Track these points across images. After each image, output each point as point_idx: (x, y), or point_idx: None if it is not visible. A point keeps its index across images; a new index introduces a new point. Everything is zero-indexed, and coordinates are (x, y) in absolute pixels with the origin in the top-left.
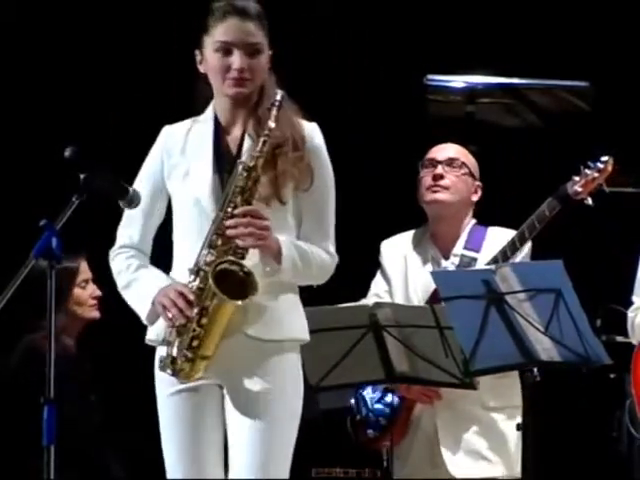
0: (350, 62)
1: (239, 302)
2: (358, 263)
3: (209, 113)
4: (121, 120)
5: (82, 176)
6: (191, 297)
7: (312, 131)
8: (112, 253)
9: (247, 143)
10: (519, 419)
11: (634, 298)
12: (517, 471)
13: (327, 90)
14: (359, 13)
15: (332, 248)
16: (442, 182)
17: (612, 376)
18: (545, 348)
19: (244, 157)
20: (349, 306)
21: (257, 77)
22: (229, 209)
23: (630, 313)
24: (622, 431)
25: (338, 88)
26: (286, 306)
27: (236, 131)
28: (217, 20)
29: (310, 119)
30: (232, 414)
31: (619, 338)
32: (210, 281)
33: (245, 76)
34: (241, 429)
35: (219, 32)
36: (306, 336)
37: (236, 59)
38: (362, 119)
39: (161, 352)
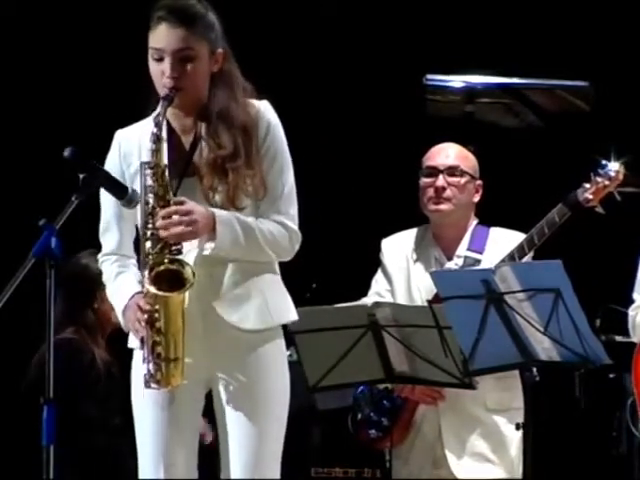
0: (350, 62)
1: (180, 293)
2: (358, 262)
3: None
4: (121, 119)
5: (82, 176)
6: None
7: (264, 111)
8: (99, 260)
9: (203, 148)
10: (520, 420)
11: (635, 295)
12: (519, 472)
13: (327, 89)
14: (359, 13)
15: (290, 223)
16: (444, 194)
17: (612, 376)
18: (544, 348)
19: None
20: (348, 306)
21: (191, 84)
22: (149, 212)
23: (631, 312)
24: (622, 431)
25: (338, 88)
26: (267, 290)
27: (189, 137)
28: (152, 26)
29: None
30: (222, 410)
31: (618, 338)
32: (147, 285)
33: (177, 84)
34: (232, 425)
35: (152, 39)
36: (293, 316)
37: (166, 66)
38: (362, 119)
39: (137, 358)
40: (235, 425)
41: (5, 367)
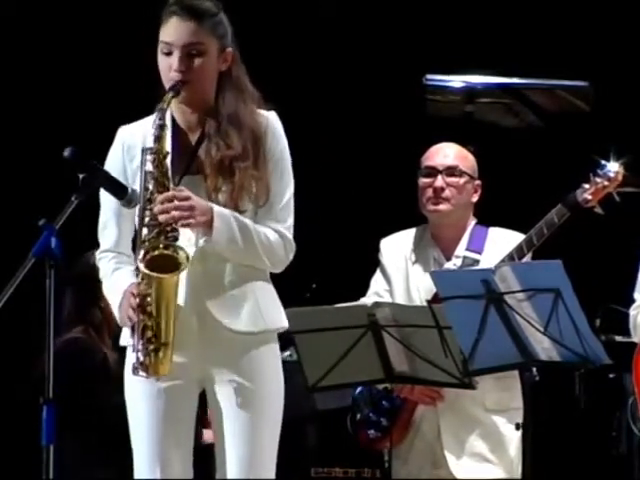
0: (349, 62)
1: (172, 275)
2: (358, 262)
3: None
4: (121, 119)
5: (81, 176)
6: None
7: (272, 121)
8: (97, 257)
9: (211, 147)
10: (519, 420)
11: (636, 295)
12: (518, 472)
13: (327, 90)
14: (359, 13)
15: (287, 232)
16: (443, 194)
17: (612, 376)
18: (544, 348)
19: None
20: (348, 306)
21: (198, 79)
22: (147, 197)
23: (632, 311)
24: (622, 431)
25: (338, 88)
26: (260, 294)
27: (195, 134)
28: (163, 20)
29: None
30: (217, 411)
31: (618, 338)
32: (141, 267)
33: (184, 77)
34: (227, 426)
35: (162, 32)
36: (285, 324)
37: (174, 60)
38: (361, 119)
39: (130, 355)
40: (229, 426)
41: (5, 367)
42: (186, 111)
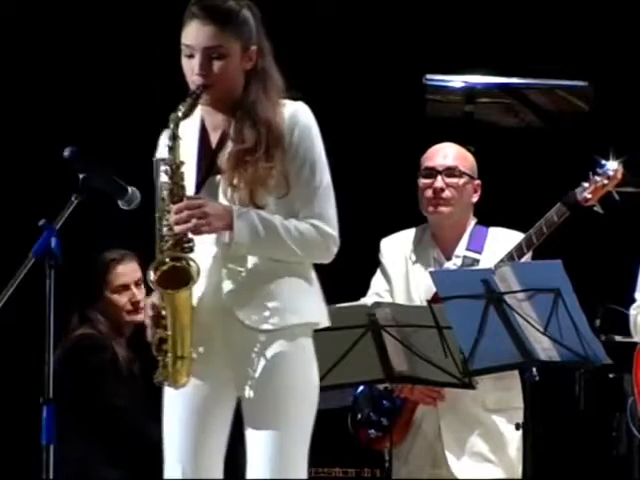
0: (349, 62)
1: (181, 291)
2: (358, 262)
3: (198, 112)
4: (121, 119)
5: (81, 176)
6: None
7: (296, 111)
8: None
9: (228, 144)
10: (520, 420)
11: (636, 295)
12: (518, 472)
13: (327, 89)
14: (359, 13)
15: (322, 224)
16: (443, 195)
17: (612, 376)
18: (544, 348)
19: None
20: (348, 306)
21: (220, 82)
22: (164, 208)
23: (632, 311)
24: (622, 431)
25: (337, 88)
26: (288, 290)
27: (217, 133)
28: (185, 22)
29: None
30: (245, 414)
31: (618, 338)
32: (153, 284)
33: (205, 82)
34: (255, 429)
35: (184, 35)
36: (316, 319)
37: (196, 63)
38: (361, 119)
39: None
40: (253, 425)
41: (5, 367)
42: (212, 112)
